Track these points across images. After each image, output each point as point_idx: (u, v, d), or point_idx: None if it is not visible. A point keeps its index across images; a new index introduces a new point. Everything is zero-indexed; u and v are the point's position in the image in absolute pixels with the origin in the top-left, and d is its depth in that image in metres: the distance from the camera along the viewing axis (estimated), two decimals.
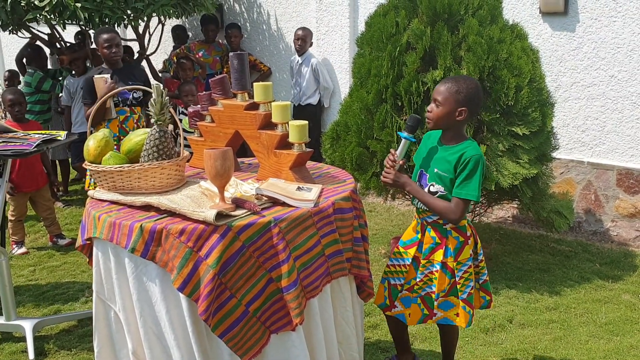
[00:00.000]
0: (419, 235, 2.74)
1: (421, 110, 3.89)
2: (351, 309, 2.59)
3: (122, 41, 5.24)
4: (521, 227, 5.25)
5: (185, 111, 5.49)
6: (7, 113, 5.05)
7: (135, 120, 4.90)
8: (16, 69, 7.03)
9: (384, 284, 2.85)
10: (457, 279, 2.68)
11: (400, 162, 2.65)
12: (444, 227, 2.67)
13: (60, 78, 6.50)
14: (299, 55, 6.38)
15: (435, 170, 2.61)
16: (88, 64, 6.49)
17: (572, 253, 4.66)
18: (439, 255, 2.68)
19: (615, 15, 4.73)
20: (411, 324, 2.87)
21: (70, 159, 6.63)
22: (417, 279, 2.74)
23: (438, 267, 2.68)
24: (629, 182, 4.85)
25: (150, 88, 5.09)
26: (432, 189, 2.62)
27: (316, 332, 2.39)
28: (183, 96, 5.53)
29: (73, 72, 6.33)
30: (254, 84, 2.71)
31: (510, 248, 4.77)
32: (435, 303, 2.72)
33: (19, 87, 6.45)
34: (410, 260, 2.74)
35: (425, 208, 2.66)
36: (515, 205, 4.89)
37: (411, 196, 2.73)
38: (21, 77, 6.79)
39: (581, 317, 3.69)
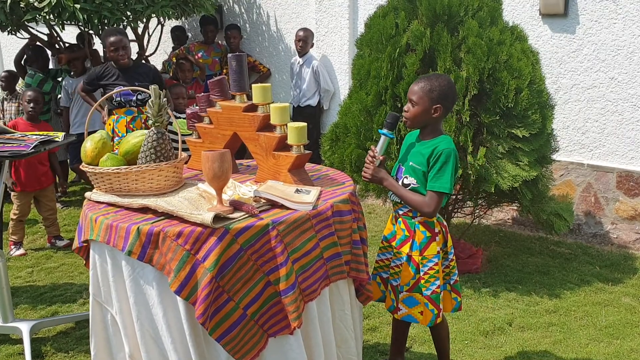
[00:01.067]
0: (395, 228, 2.82)
1: None
2: (350, 312, 2.58)
3: None
4: (521, 230, 5.23)
5: (174, 113, 5.46)
6: (4, 114, 5.05)
7: (143, 120, 4.90)
8: (15, 70, 7.00)
9: (375, 279, 2.91)
10: (421, 274, 2.72)
11: (380, 158, 2.72)
12: (412, 220, 2.74)
13: (60, 79, 6.48)
14: (300, 56, 6.36)
15: (411, 163, 2.70)
16: (87, 65, 6.48)
17: (572, 255, 4.65)
18: (406, 248, 2.75)
19: (616, 17, 4.72)
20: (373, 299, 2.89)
21: (69, 160, 6.61)
22: (392, 264, 2.80)
23: (404, 260, 2.75)
24: (629, 184, 4.84)
25: (162, 84, 5.16)
26: (405, 181, 2.70)
27: (314, 336, 2.38)
28: (173, 98, 5.50)
29: (72, 72, 6.32)
30: (253, 85, 2.70)
31: (509, 250, 4.75)
32: (400, 297, 2.76)
33: (17, 88, 6.44)
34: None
35: (398, 200, 2.75)
36: (515, 208, 4.88)
37: (388, 190, 2.80)
38: (20, 79, 6.78)
39: (581, 320, 3.67)
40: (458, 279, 2.88)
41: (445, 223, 2.84)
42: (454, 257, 2.85)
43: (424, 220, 2.72)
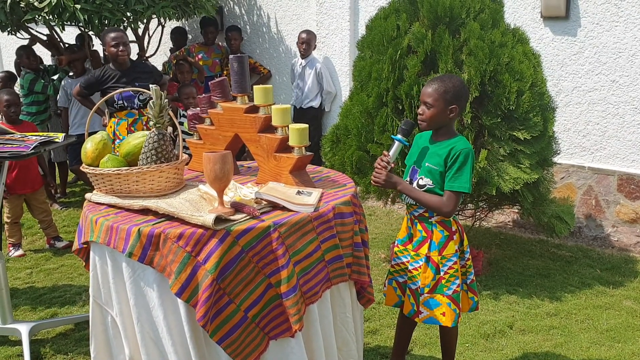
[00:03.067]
0: (411, 230, 2.80)
1: None
2: (351, 315, 2.57)
3: None
4: (521, 232, 5.22)
5: (186, 114, 5.47)
6: (1, 115, 5.02)
7: (144, 122, 4.88)
8: (14, 71, 7.00)
9: (391, 284, 2.88)
10: (442, 274, 2.72)
11: (392, 164, 2.71)
12: (429, 220, 2.74)
13: (55, 77, 6.45)
14: (303, 58, 6.34)
15: (427, 164, 2.69)
16: (87, 66, 6.47)
17: (573, 258, 4.64)
18: (424, 249, 2.74)
19: (617, 20, 4.72)
20: (388, 304, 2.93)
21: (68, 161, 6.59)
22: (410, 267, 2.78)
23: (423, 261, 2.73)
24: (630, 187, 4.83)
25: (162, 80, 5.16)
26: (420, 182, 2.70)
27: (315, 339, 2.36)
28: (184, 98, 5.52)
29: (71, 73, 6.30)
30: (254, 86, 2.69)
31: (510, 253, 4.74)
32: (421, 299, 2.74)
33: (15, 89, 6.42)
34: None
35: (412, 202, 2.73)
36: (516, 210, 4.87)
37: (400, 193, 2.78)
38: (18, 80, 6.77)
39: (582, 323, 3.66)
40: (475, 278, 2.88)
41: (460, 222, 2.84)
42: (470, 256, 2.84)
43: (441, 220, 2.72)
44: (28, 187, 4.93)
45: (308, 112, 6.35)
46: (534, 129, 3.95)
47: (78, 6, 5.16)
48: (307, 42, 6.25)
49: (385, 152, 2.70)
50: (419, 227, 2.76)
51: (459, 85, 2.66)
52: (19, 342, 3.47)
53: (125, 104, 4.82)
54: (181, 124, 5.31)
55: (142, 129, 4.78)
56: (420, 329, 3.51)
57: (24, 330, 3.38)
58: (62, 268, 4.68)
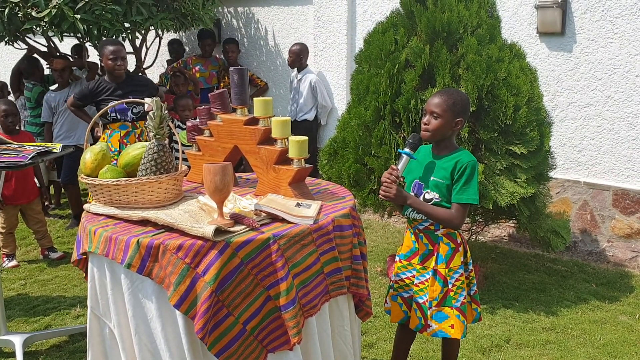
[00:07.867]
0: (416, 244, 2.79)
1: (419, 127, 3.88)
2: (349, 328, 2.55)
3: None
4: (517, 246, 5.23)
5: (181, 125, 5.47)
6: None
7: (137, 135, 4.86)
8: (7, 81, 6.96)
9: (395, 300, 2.86)
10: (449, 286, 2.72)
11: (402, 178, 2.71)
12: (435, 233, 2.74)
13: (53, 88, 6.42)
14: (298, 71, 6.37)
15: (432, 178, 2.69)
16: (82, 75, 6.45)
17: (568, 273, 4.64)
18: (430, 263, 2.73)
19: (612, 37, 4.76)
20: (394, 321, 2.91)
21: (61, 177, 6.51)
22: (415, 281, 2.77)
23: (430, 275, 2.73)
24: (625, 202, 4.85)
25: (157, 94, 5.14)
26: (427, 196, 2.70)
27: (314, 352, 2.35)
28: (179, 110, 5.52)
29: (52, 87, 6.19)
30: (254, 99, 2.70)
31: (506, 267, 4.74)
32: (429, 313, 2.73)
33: (15, 102, 6.39)
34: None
35: (417, 217, 2.73)
36: (512, 224, 4.88)
37: (404, 207, 2.77)
38: (12, 90, 6.75)
39: (578, 338, 3.66)
40: (477, 289, 2.88)
41: (463, 234, 2.83)
42: (473, 268, 2.85)
43: (447, 232, 2.72)
44: (24, 197, 4.92)
45: (302, 124, 6.36)
46: (530, 144, 3.97)
47: (78, 16, 5.16)
48: (297, 54, 6.27)
49: (393, 166, 2.68)
50: (424, 240, 2.75)
51: (465, 99, 2.70)
52: (12, 354, 3.43)
53: (119, 117, 4.81)
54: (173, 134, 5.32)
55: (135, 142, 4.76)
56: (417, 343, 3.50)
57: (17, 341, 3.36)
58: (57, 279, 4.65)
